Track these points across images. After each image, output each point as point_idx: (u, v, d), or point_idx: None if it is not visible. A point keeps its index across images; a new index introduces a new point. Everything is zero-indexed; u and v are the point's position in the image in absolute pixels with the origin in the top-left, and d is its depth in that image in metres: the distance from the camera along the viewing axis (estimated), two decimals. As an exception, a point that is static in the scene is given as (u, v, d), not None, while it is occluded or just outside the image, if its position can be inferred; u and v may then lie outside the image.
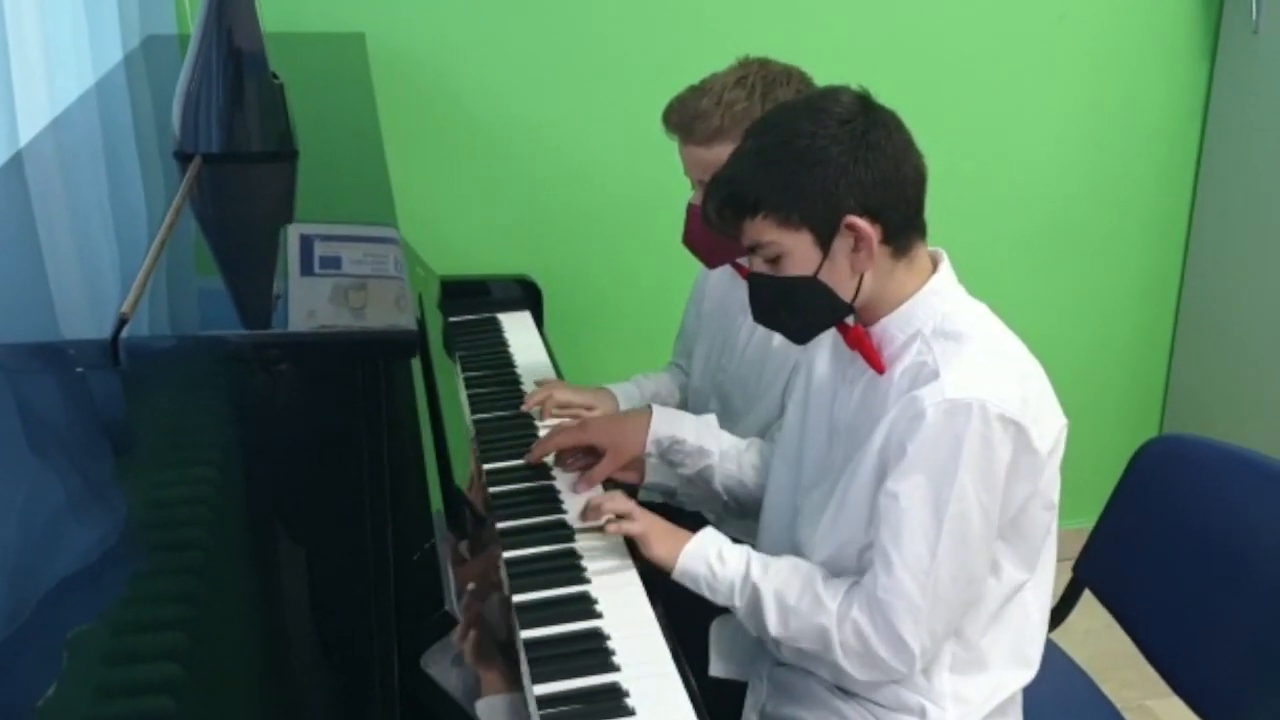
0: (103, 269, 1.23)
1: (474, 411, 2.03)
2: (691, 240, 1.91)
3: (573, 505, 1.76)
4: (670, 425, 1.83)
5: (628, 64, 2.67)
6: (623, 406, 2.11)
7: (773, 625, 1.53)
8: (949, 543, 1.42)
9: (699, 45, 2.62)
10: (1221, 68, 2.94)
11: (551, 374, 2.23)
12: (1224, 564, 1.73)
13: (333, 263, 1.11)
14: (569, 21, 2.63)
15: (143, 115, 1.86)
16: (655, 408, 1.86)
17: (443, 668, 1.12)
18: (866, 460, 1.48)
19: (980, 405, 1.39)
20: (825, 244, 1.46)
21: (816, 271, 1.47)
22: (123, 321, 0.91)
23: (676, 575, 1.59)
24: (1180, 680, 1.77)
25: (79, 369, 0.91)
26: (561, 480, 1.83)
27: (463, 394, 2.05)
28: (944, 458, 1.40)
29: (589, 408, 2.07)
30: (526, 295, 2.54)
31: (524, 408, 2.04)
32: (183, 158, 1.43)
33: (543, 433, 1.98)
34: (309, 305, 1.01)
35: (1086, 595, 1.92)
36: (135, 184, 1.53)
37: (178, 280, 1.09)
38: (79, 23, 1.86)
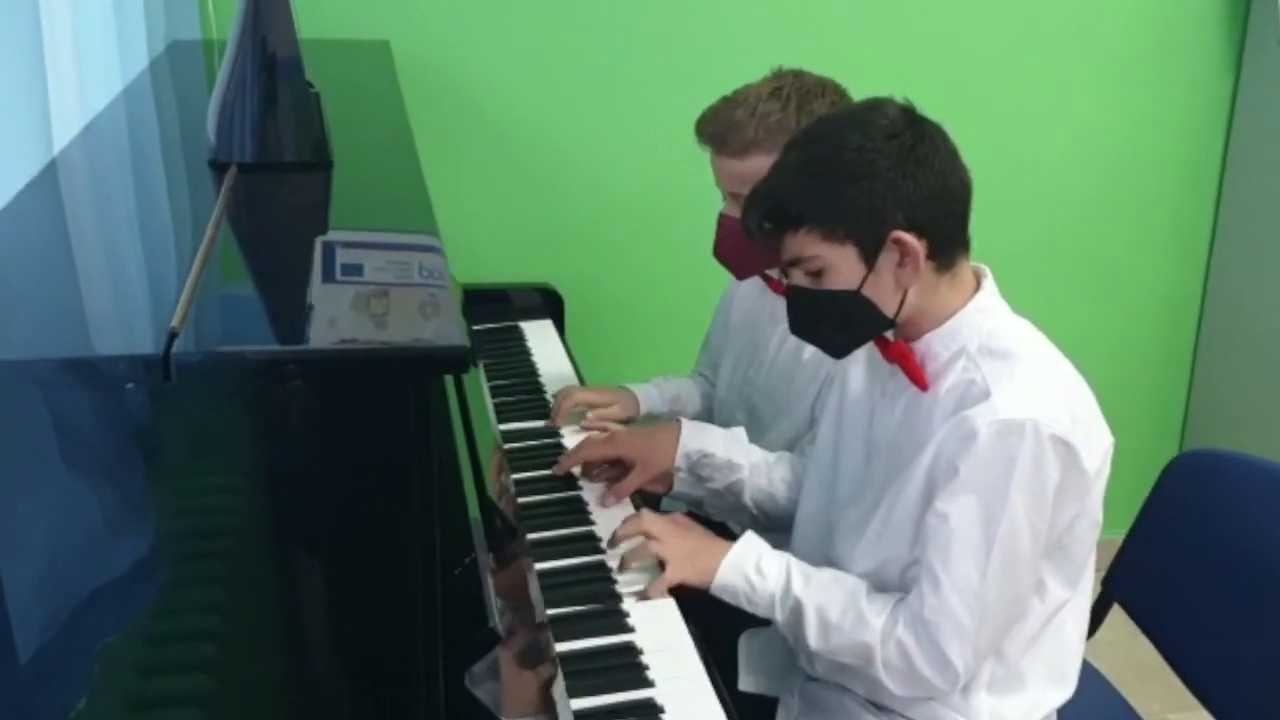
0: (133, 281, 1.22)
1: (500, 421, 2.02)
2: (722, 252, 1.89)
3: (600, 517, 1.75)
4: (699, 439, 1.81)
5: (650, 73, 2.67)
6: (643, 409, 2.10)
7: (813, 639, 1.51)
8: (998, 564, 1.41)
9: (722, 55, 2.63)
10: (1247, 78, 2.93)
11: (575, 383, 2.21)
12: (1255, 578, 1.71)
13: (378, 274, 1.10)
14: (592, 31, 2.62)
15: (171, 122, 1.85)
16: (684, 421, 1.84)
17: (486, 686, 1.11)
18: (913, 479, 1.46)
19: (1033, 425, 1.38)
20: (870, 259, 1.44)
21: (860, 286, 1.45)
22: (172, 336, 0.90)
23: (715, 590, 1.57)
24: (1211, 695, 1.76)
25: (129, 384, 0.90)
26: (589, 491, 1.82)
27: (489, 403, 2.04)
28: (996, 478, 1.39)
29: (608, 405, 2.06)
30: (547, 303, 2.53)
31: (556, 422, 2.03)
32: (217, 166, 1.42)
33: (569, 442, 1.98)
34: (358, 319, 1.00)
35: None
36: (164, 194, 1.52)
37: (218, 293, 1.08)
38: (108, 28, 1.85)
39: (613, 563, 1.63)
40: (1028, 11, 2.83)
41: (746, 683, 1.74)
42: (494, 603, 1.10)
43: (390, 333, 0.98)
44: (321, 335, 0.97)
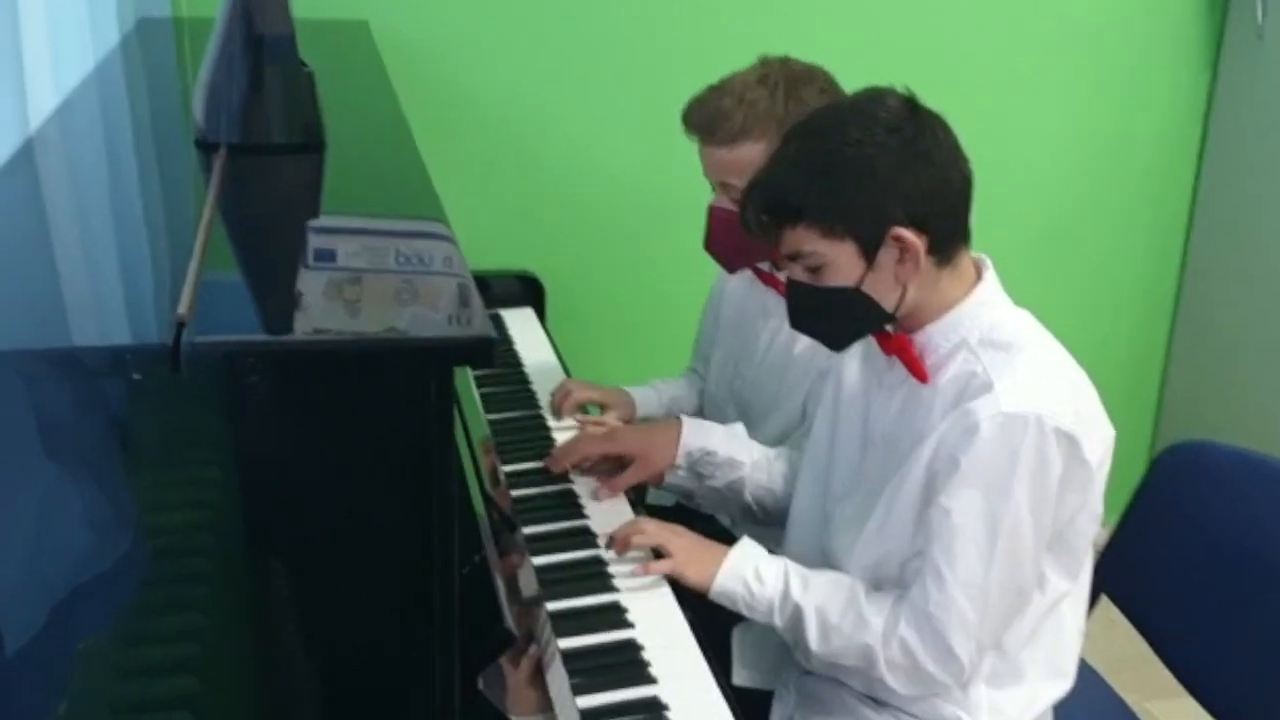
0: (122, 266, 1.17)
1: (487, 411, 1.98)
2: (714, 245, 1.87)
3: (594, 510, 1.72)
4: (701, 436, 1.79)
5: (634, 56, 2.63)
6: (640, 412, 2.07)
7: (814, 642, 1.50)
8: (1002, 558, 1.40)
9: (708, 39, 2.61)
10: (1225, 72, 2.94)
11: (560, 373, 2.18)
12: (1242, 568, 1.72)
13: (403, 261, 1.06)
14: (576, 13, 2.58)
15: (149, 101, 1.79)
16: (684, 418, 1.82)
17: (497, 689, 1.07)
18: (914, 472, 1.45)
19: (1036, 418, 1.36)
20: (870, 255, 1.42)
21: (859, 282, 1.43)
22: (180, 325, 0.85)
23: (714, 596, 1.55)
24: (1198, 684, 1.76)
25: (135, 375, 0.85)
26: (581, 485, 1.79)
27: (475, 393, 2.00)
28: (999, 472, 1.37)
29: (605, 406, 2.03)
30: (527, 291, 2.49)
31: (560, 416, 2.01)
32: (204, 147, 1.37)
33: (557, 434, 1.94)
34: (374, 309, 0.96)
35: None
36: (149, 175, 1.47)
37: (221, 280, 1.03)
38: (80, 2, 1.79)
39: (608, 554, 1.60)
40: (1007, 6, 2.82)
41: (741, 676, 1.72)
42: (505, 603, 1.07)
43: (411, 323, 0.94)
44: (339, 325, 0.93)
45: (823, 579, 1.53)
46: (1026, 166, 2.95)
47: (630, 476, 1.77)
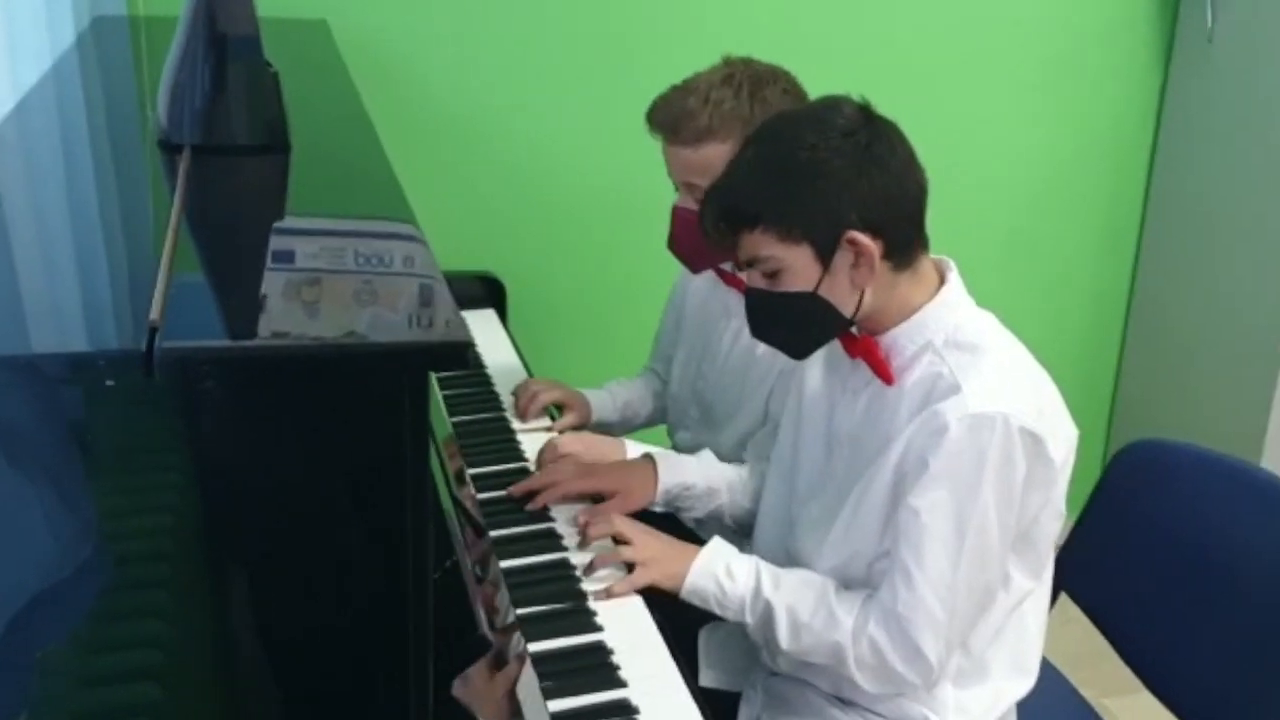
0: (84, 270, 1.15)
1: (451, 414, 1.97)
2: (677, 246, 1.86)
3: (561, 514, 1.71)
4: (676, 473, 1.77)
5: (594, 54, 2.63)
6: (595, 417, 2.06)
7: (785, 640, 1.50)
8: (970, 557, 1.41)
9: (669, 39, 2.61)
10: (1176, 75, 2.98)
11: (523, 374, 2.17)
12: (1201, 565, 1.74)
13: (363, 261, 1.04)
14: (536, 12, 2.57)
15: (108, 101, 1.77)
16: (656, 456, 1.79)
17: (471, 695, 1.07)
18: (882, 473, 1.46)
19: (1003, 418, 1.38)
20: (825, 259, 1.43)
21: (816, 287, 1.44)
22: (153, 330, 0.84)
23: (685, 594, 1.55)
24: (1157, 679, 1.78)
25: (108, 381, 0.83)
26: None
27: (438, 395, 1.99)
28: (967, 472, 1.38)
29: (564, 407, 2.03)
30: (489, 292, 2.48)
31: (524, 424, 1.99)
32: (168, 148, 1.35)
33: (521, 436, 1.94)
34: (345, 312, 0.95)
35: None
36: (110, 176, 1.45)
37: (190, 284, 1.02)
38: (37, 2, 1.76)
39: (577, 559, 1.60)
40: (965, 13, 2.84)
41: (707, 678, 1.72)
42: (481, 608, 1.06)
43: (378, 326, 0.93)
44: (312, 329, 0.92)
45: (794, 577, 1.53)
46: (981, 170, 2.97)
47: (613, 507, 1.72)
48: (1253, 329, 2.82)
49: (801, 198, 1.41)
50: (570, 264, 2.75)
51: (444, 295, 0.96)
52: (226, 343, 0.89)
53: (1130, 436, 1.98)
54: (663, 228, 1.85)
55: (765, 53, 1.84)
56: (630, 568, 1.57)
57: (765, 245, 1.43)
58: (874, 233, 1.41)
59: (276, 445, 0.91)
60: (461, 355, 0.87)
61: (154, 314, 0.85)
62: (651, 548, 1.58)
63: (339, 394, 0.89)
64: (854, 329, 1.50)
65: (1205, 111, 2.90)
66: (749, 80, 1.77)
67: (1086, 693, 1.91)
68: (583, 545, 1.62)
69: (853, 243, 1.41)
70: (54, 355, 0.88)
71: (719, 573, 1.53)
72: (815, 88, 1.80)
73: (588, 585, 1.54)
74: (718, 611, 1.55)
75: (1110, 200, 3.11)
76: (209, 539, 0.98)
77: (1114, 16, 2.94)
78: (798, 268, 1.43)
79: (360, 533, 0.94)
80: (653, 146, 1.82)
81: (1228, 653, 1.69)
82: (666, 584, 1.55)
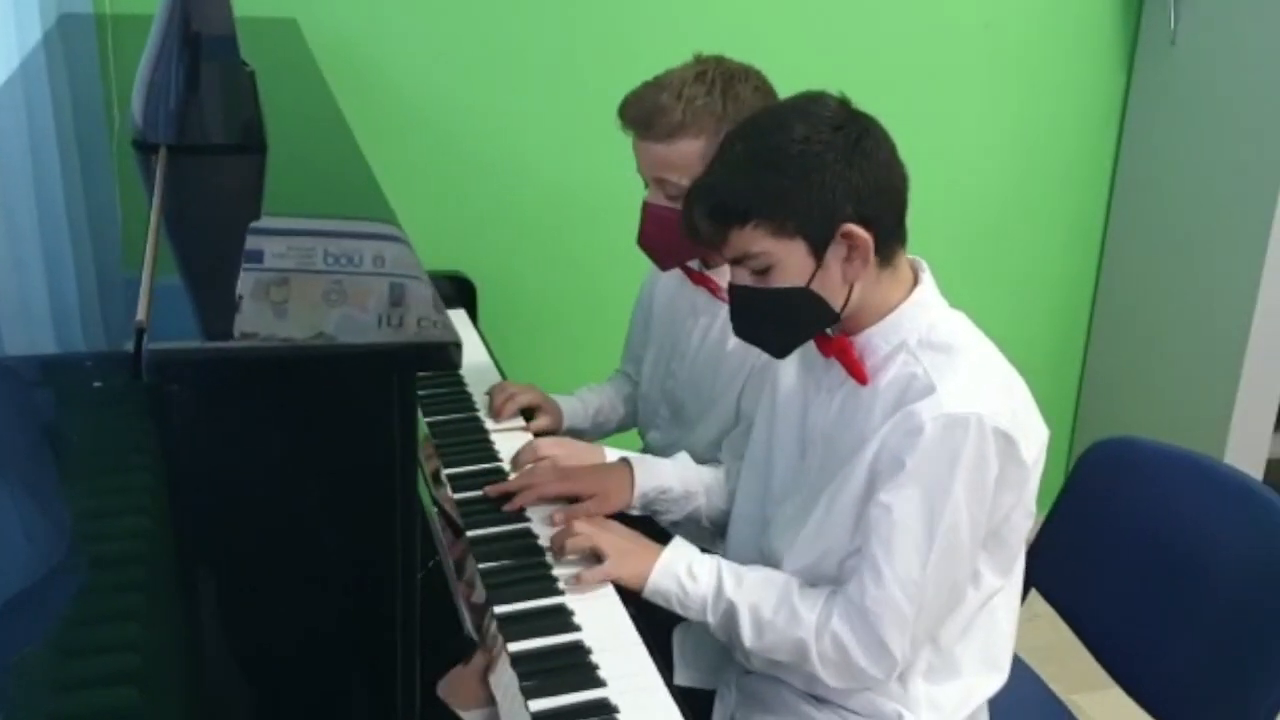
0: (35, 265, 1.14)
1: (425, 415, 1.96)
2: (648, 242, 1.87)
3: (536, 513, 1.71)
4: (652, 477, 1.78)
5: (563, 52, 2.63)
6: (566, 423, 2.06)
7: (748, 639, 1.51)
8: (939, 555, 1.42)
9: (637, 37, 2.61)
10: (1139, 76, 3.02)
11: (495, 374, 2.17)
12: (1169, 561, 1.76)
13: (341, 263, 1.04)
14: (504, 11, 2.57)
15: (79, 100, 1.75)
16: (633, 460, 1.79)
17: (457, 696, 1.07)
18: (856, 472, 1.46)
19: (977, 419, 1.39)
20: (819, 253, 1.42)
21: (809, 281, 1.44)
22: (140, 331, 0.83)
23: (648, 594, 1.55)
24: (1130, 677, 1.80)
25: (96, 383, 0.83)
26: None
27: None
28: (940, 471, 1.39)
29: (536, 410, 2.03)
30: (459, 292, 2.47)
31: (498, 423, 1.99)
32: (143, 148, 1.34)
33: (495, 436, 1.94)
34: (326, 313, 0.95)
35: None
36: (83, 176, 1.43)
37: (172, 284, 1.01)
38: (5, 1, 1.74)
39: (553, 559, 1.60)
40: (924, 8, 2.86)
41: (682, 677, 1.73)
42: (465, 609, 1.06)
43: (370, 326, 0.93)
44: (301, 329, 0.91)
45: (756, 575, 1.54)
46: (946, 170, 2.99)
47: (590, 508, 1.73)
48: (1216, 327, 2.86)
49: (795, 192, 1.40)
50: (541, 264, 2.74)
51: (431, 295, 0.96)
52: (217, 344, 0.88)
53: (1095, 433, 2.00)
54: (634, 227, 1.85)
55: (734, 52, 1.85)
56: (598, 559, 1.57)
57: (757, 241, 1.43)
58: (867, 224, 1.42)
59: (265, 447, 0.90)
60: (451, 355, 0.87)
61: (140, 315, 0.84)
62: (615, 549, 1.57)
63: (330, 394, 0.89)
64: (834, 328, 1.50)
65: (1168, 112, 2.94)
66: (721, 77, 1.78)
67: (1054, 687, 1.93)
68: (558, 555, 1.61)
69: (848, 235, 1.41)
70: (38, 357, 0.87)
71: (680, 573, 1.54)
72: (784, 88, 1.82)
73: (558, 570, 1.55)
74: (679, 611, 1.56)
75: (1075, 200, 3.15)
76: (188, 541, 0.98)
77: (1078, 18, 2.97)
78: (790, 263, 1.43)
79: (349, 534, 0.94)
80: (620, 144, 1.82)
81: (1196, 646, 1.71)
82: (631, 582, 1.55)
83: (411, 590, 0.95)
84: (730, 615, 1.52)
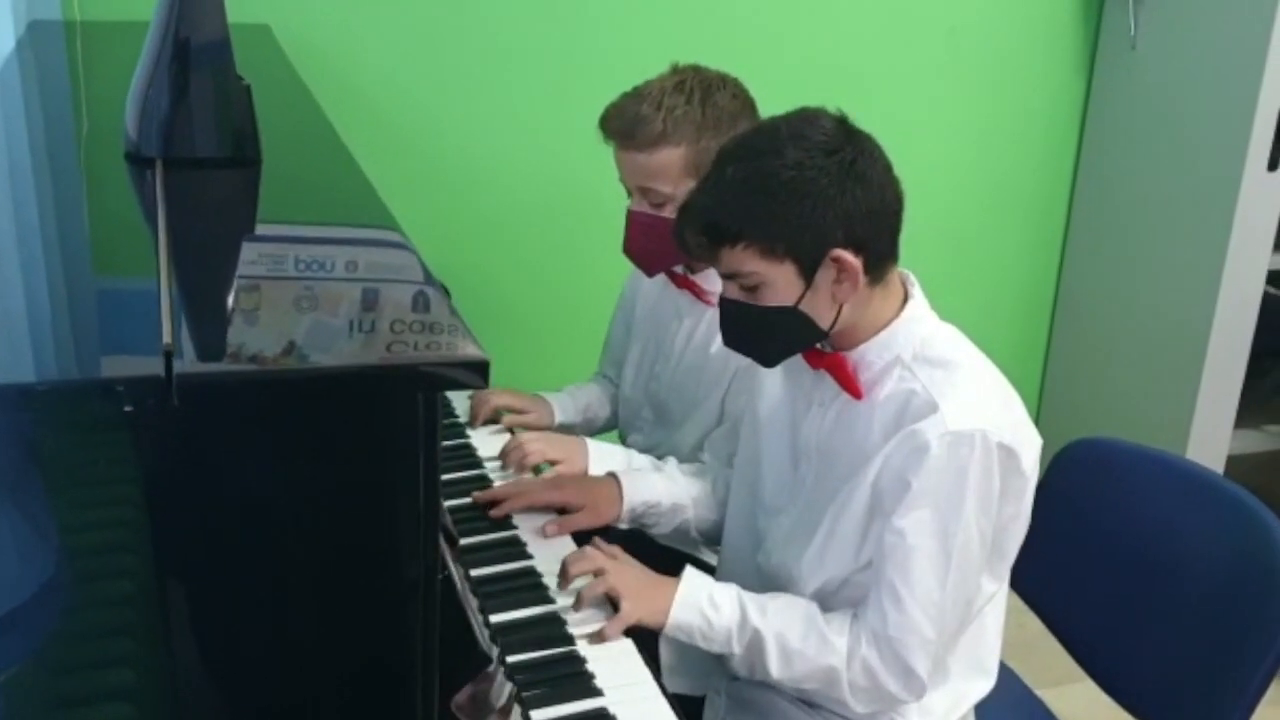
0: (13, 277, 1.13)
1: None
2: (633, 249, 1.88)
3: (523, 521, 1.72)
4: (641, 490, 1.78)
5: (537, 57, 2.63)
6: (557, 419, 2.07)
7: (775, 668, 1.49)
8: (956, 574, 1.43)
9: (611, 44, 2.61)
10: (1099, 81, 3.06)
11: (473, 380, 2.16)
12: (1143, 559, 1.80)
13: (367, 277, 1.04)
14: (477, 16, 2.56)
15: (51, 110, 1.73)
16: (620, 474, 1.80)
17: (470, 711, 1.07)
18: (859, 492, 1.47)
19: (982, 435, 1.40)
20: (809, 276, 1.43)
21: (798, 302, 1.45)
22: (168, 355, 0.83)
23: (669, 631, 1.52)
24: (1105, 672, 1.83)
25: (127, 408, 0.82)
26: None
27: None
28: (949, 490, 1.40)
29: (524, 412, 2.03)
30: (433, 298, 2.46)
31: (475, 426, 2.00)
32: (136, 161, 1.33)
33: (475, 441, 1.94)
34: (340, 333, 0.95)
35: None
36: (76, 190, 1.41)
37: (187, 303, 1.01)
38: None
39: (543, 567, 1.60)
40: (885, 11, 2.88)
41: (671, 683, 1.71)
42: (479, 624, 1.06)
43: (399, 346, 0.93)
44: (330, 350, 0.91)
45: (778, 602, 1.52)
46: (907, 175, 2.95)
47: (580, 521, 1.74)
48: (1176, 327, 2.91)
49: (786, 217, 1.40)
50: (514, 269, 2.74)
51: (458, 316, 0.97)
52: (243, 366, 0.88)
53: (1058, 433, 2.03)
54: (608, 232, 1.87)
55: (705, 59, 1.87)
56: (614, 603, 1.53)
57: (747, 261, 1.43)
58: (857, 249, 1.42)
59: (288, 465, 0.90)
60: (482, 373, 0.88)
61: (165, 337, 0.84)
62: (634, 582, 1.54)
63: (362, 411, 0.89)
64: (824, 343, 1.51)
65: (1128, 116, 2.99)
66: (699, 86, 1.80)
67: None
68: (563, 579, 1.58)
69: (837, 260, 1.42)
70: (63, 380, 0.86)
71: (702, 603, 1.51)
72: (753, 94, 1.84)
73: (575, 630, 1.50)
74: (701, 644, 1.52)
75: (1036, 203, 3.18)
76: (190, 555, 0.97)
77: (1039, 22, 3.00)
78: (779, 284, 1.44)
79: (377, 553, 0.94)
80: (596, 150, 1.83)
81: (1169, 640, 1.74)
82: (650, 621, 1.51)
83: (432, 604, 0.95)
84: (757, 645, 1.50)
